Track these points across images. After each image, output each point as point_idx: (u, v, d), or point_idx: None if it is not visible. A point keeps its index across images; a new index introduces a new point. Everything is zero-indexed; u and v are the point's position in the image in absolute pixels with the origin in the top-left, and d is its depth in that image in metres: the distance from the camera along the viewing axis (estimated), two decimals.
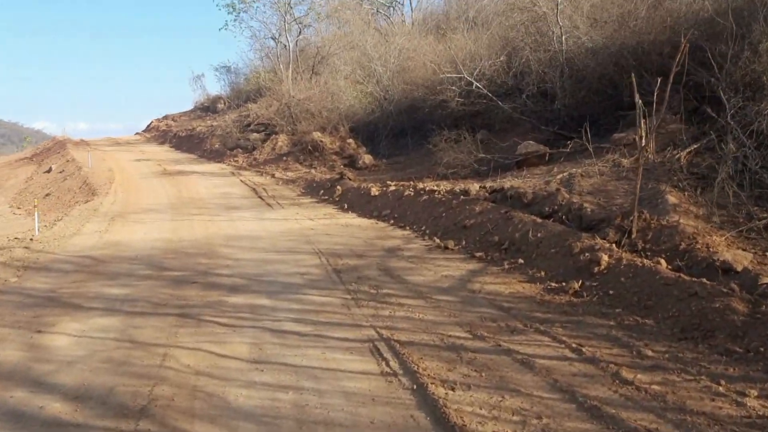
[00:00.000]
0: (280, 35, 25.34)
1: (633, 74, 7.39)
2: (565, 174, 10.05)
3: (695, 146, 9.41)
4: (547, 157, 12.40)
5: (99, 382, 4.52)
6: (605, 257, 6.30)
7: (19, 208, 16.96)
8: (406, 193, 11.42)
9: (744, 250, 6.27)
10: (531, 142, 12.89)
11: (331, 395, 4.11)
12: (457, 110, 15.19)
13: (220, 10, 32.85)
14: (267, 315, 5.94)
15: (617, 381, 4.12)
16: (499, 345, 4.88)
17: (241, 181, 17.21)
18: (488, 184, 10.67)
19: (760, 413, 3.60)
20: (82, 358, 5.05)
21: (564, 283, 6.34)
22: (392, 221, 10.63)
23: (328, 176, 15.69)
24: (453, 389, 4.09)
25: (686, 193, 8.04)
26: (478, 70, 14.93)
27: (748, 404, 3.71)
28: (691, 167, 9.02)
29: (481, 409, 3.81)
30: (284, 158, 19.55)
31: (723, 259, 5.80)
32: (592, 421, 3.60)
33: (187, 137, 28.05)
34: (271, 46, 26.94)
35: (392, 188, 12.15)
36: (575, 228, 7.56)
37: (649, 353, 4.57)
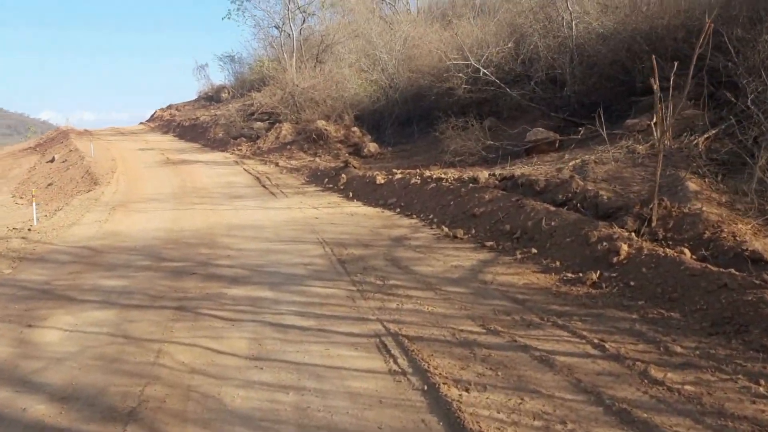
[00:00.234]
0: (283, 24, 24.97)
1: (654, 58, 6.98)
2: (577, 161, 9.69)
3: (713, 132, 9.04)
4: (557, 144, 12.06)
5: (88, 381, 4.24)
6: (625, 246, 5.96)
7: (21, 197, 16.75)
8: (413, 181, 11.09)
9: None
10: (540, 129, 12.53)
11: (335, 396, 3.80)
12: (464, 98, 14.85)
13: None
14: (268, 308, 5.64)
15: (646, 380, 3.79)
16: (515, 340, 4.56)
17: (245, 170, 16.89)
18: (498, 171, 10.32)
19: None
20: (72, 354, 4.77)
21: (581, 274, 6.00)
22: (398, 210, 10.30)
23: (332, 165, 15.35)
24: (467, 390, 3.77)
25: (707, 180, 7.67)
26: (485, 56, 14.56)
27: None
28: (710, 153, 8.65)
29: (498, 412, 3.49)
30: (288, 147, 19.21)
31: (752, 248, 5.44)
32: (623, 426, 3.27)
33: (190, 126, 27.74)
34: (274, 35, 26.61)
35: (398, 176, 11.81)
36: (591, 216, 7.21)
37: (678, 349, 4.23)
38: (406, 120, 18.20)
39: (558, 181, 8.52)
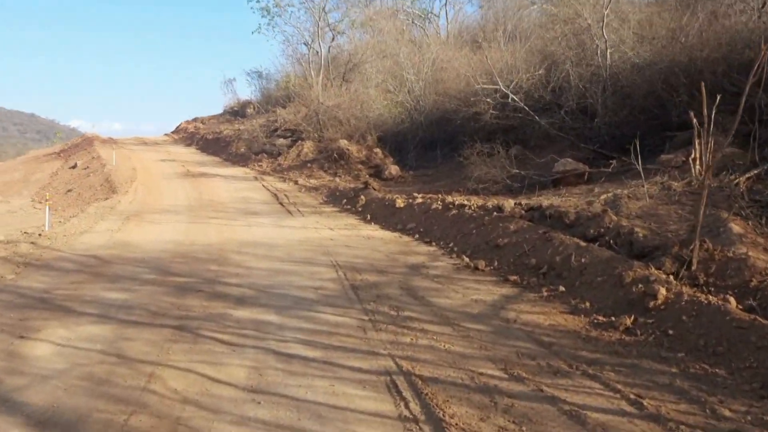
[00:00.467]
0: (312, 41, 24.99)
1: (702, 85, 6.56)
2: (609, 195, 9.20)
3: (756, 171, 8.53)
4: (586, 177, 11.59)
5: (70, 404, 3.89)
6: (663, 290, 5.47)
7: (40, 202, 16.77)
8: (434, 206, 10.69)
9: None
10: (569, 159, 12.08)
11: None
12: (490, 123, 14.47)
13: (254, 12, 32.49)
14: (273, 334, 5.25)
15: None
16: (541, 390, 4.10)
17: (263, 186, 16.67)
18: (524, 201, 9.88)
19: None
20: (59, 372, 4.44)
21: (613, 318, 5.52)
22: (417, 236, 9.90)
23: (352, 185, 15.04)
24: None
25: (750, 222, 7.15)
26: (514, 82, 14.20)
27: None
28: (751, 194, 8.14)
29: None
30: (309, 165, 18.99)
31: None
32: None
33: (213, 140, 27.79)
34: (303, 51, 26.59)
35: (419, 201, 11.43)
36: (625, 255, 6.71)
37: (727, 413, 3.74)
38: (429, 143, 17.86)
39: (589, 215, 8.05)
